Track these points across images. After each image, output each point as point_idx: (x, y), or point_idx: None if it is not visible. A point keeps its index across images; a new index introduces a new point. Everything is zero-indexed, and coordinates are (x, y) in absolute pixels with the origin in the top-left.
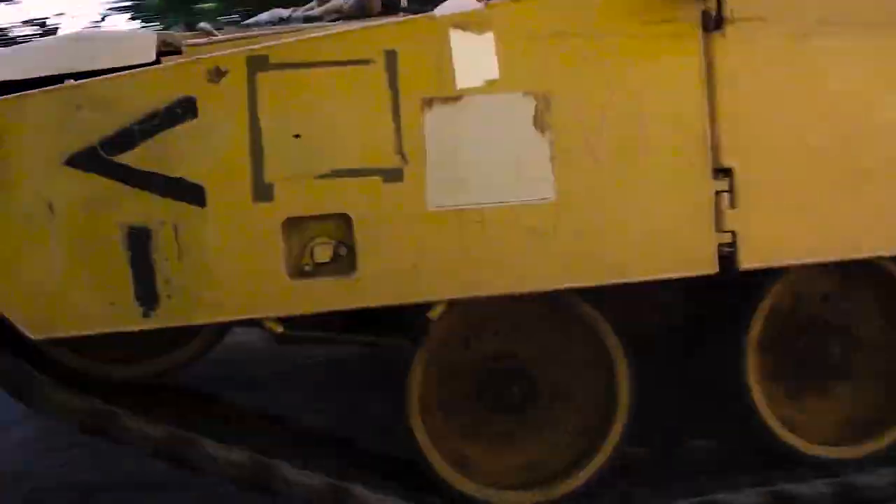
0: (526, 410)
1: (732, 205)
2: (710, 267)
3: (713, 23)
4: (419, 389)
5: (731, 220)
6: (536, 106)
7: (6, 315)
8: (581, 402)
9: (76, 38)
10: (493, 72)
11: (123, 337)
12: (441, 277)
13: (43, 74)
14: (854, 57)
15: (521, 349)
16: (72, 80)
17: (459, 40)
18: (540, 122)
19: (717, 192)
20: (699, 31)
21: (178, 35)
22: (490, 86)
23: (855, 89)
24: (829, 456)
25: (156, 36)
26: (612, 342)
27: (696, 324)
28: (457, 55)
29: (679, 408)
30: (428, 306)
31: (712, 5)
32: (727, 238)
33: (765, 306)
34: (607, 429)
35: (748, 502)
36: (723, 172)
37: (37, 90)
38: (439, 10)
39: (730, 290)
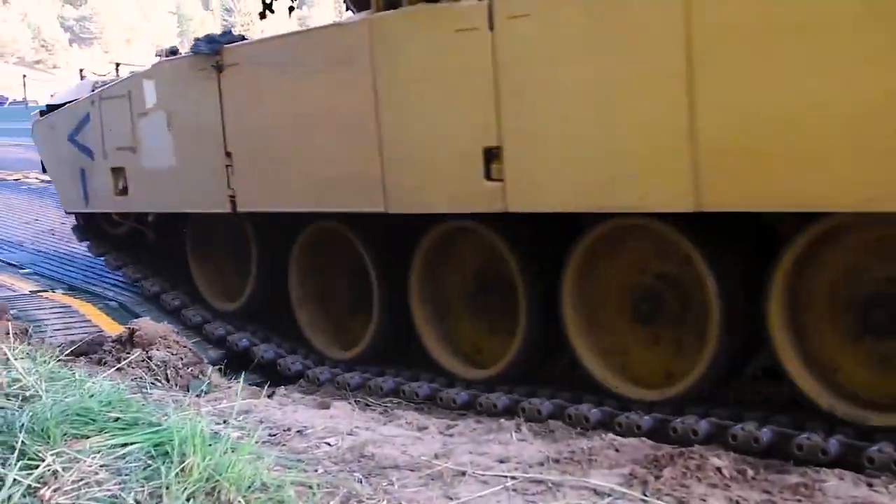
0: None
1: (234, 173)
2: (228, 208)
3: (217, 69)
4: None
5: (232, 182)
6: (168, 116)
7: None
8: None
9: (80, 84)
10: (153, 100)
11: None
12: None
13: (64, 101)
14: (278, 89)
15: None
16: (68, 106)
17: (145, 85)
18: (171, 126)
19: (227, 165)
20: (216, 74)
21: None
22: (153, 107)
23: (281, 109)
24: None
25: (91, 83)
26: None
27: None
28: (146, 92)
29: None
30: None
31: (219, 59)
32: (232, 192)
33: None
34: None
35: None
36: (228, 155)
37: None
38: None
39: None
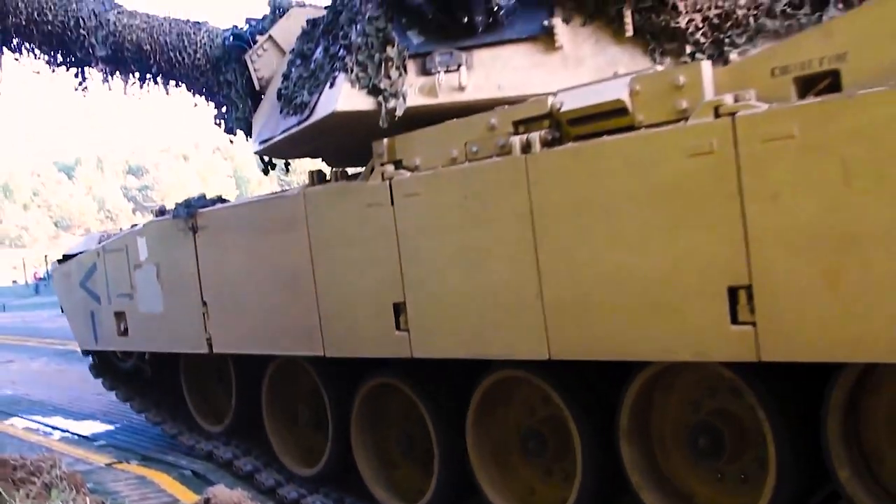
0: None
1: (209, 319)
2: (206, 349)
3: (193, 230)
4: None
5: (208, 327)
6: (157, 268)
7: None
8: None
9: (89, 237)
10: (145, 254)
11: None
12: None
13: (77, 252)
14: (240, 247)
15: None
16: (79, 256)
17: (139, 241)
18: (159, 277)
19: (203, 312)
20: (192, 234)
21: None
22: (145, 260)
23: (243, 265)
24: None
25: (98, 236)
26: None
27: None
28: (139, 247)
29: None
30: None
31: (192, 223)
32: (208, 336)
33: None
34: None
35: None
36: (204, 304)
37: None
38: (139, 231)
39: None
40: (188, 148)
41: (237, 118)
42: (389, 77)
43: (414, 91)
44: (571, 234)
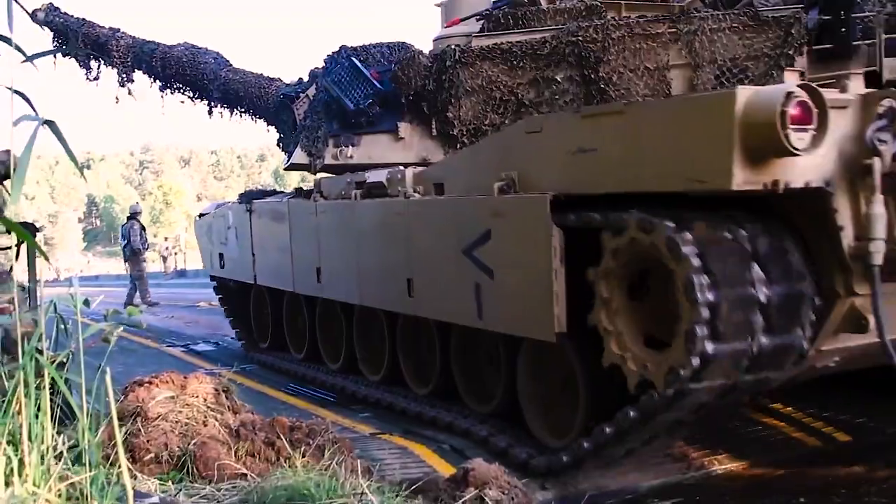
0: None
1: (256, 264)
2: (252, 280)
3: (249, 212)
4: None
5: (255, 268)
6: (236, 231)
7: None
8: None
9: (213, 203)
10: (231, 221)
11: None
12: None
13: (206, 212)
14: (268, 226)
15: None
16: (205, 216)
17: (229, 212)
18: (237, 236)
19: (253, 260)
20: (249, 214)
21: None
22: (232, 224)
23: (268, 236)
24: None
25: (216, 204)
26: None
27: None
28: (230, 216)
29: None
30: None
31: (250, 206)
32: (255, 273)
33: None
34: None
35: None
36: (253, 255)
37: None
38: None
39: None
40: None
41: (287, 144)
42: (317, 147)
43: (328, 156)
44: (369, 243)
